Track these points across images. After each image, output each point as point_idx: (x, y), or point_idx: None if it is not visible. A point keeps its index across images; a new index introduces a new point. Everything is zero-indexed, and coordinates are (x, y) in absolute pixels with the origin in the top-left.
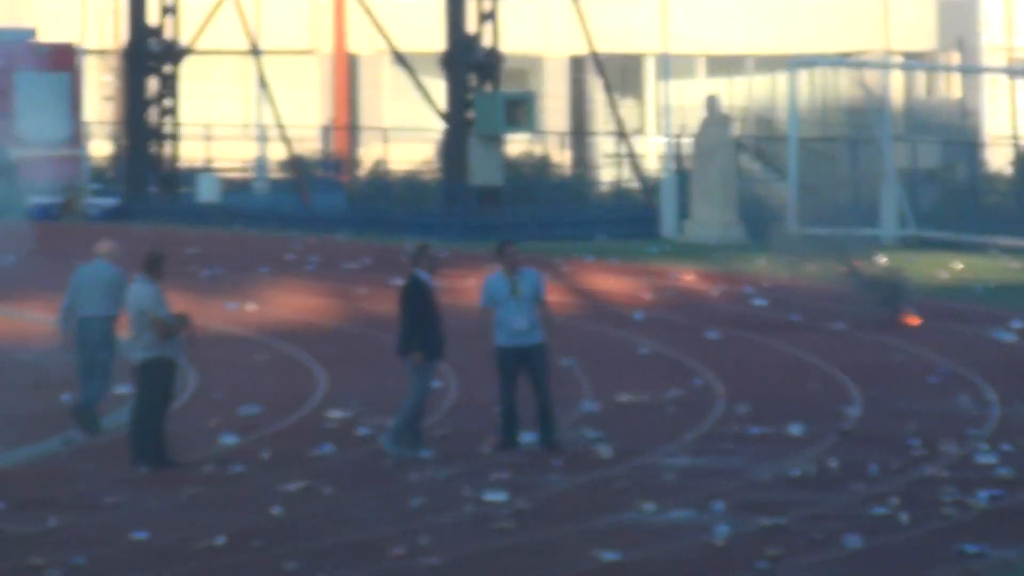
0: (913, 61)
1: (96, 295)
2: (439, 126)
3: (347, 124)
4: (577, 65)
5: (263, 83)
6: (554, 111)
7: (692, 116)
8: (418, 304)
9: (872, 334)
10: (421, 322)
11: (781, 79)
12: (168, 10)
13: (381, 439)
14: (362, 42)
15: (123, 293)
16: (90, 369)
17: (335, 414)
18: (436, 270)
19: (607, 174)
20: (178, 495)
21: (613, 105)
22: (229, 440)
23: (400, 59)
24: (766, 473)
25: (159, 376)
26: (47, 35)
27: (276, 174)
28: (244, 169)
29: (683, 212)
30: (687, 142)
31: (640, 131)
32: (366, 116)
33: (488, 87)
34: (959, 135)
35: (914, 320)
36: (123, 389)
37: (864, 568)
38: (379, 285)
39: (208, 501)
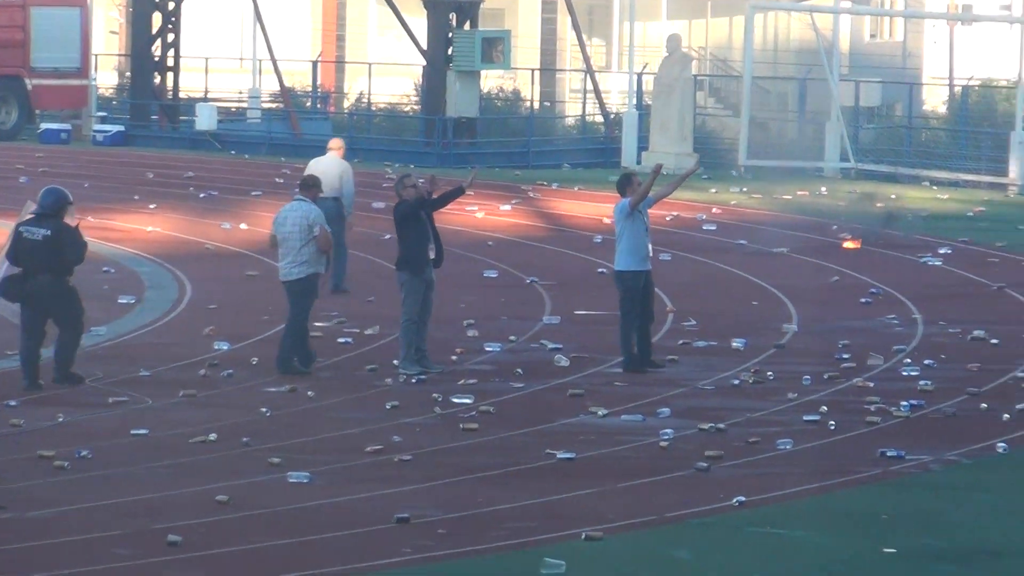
0: (860, 6)
1: (327, 180)
2: (420, 62)
3: (334, 59)
4: (548, 6)
5: (258, 19)
6: (526, 49)
7: (654, 55)
8: (406, 226)
9: (810, 257)
10: (409, 242)
11: (737, 22)
12: None
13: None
14: None
15: (346, 178)
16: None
17: (318, 324)
18: (426, 193)
19: (573, 108)
20: (175, 396)
21: (581, 44)
22: (221, 346)
23: None
24: (708, 382)
25: (313, 291)
26: None
27: (268, 104)
28: (239, 99)
29: (642, 144)
30: (648, 79)
31: (605, 68)
32: (352, 51)
33: (466, 26)
34: (899, 76)
35: (854, 245)
36: (125, 299)
37: (794, 468)
38: (362, 208)
39: (202, 401)
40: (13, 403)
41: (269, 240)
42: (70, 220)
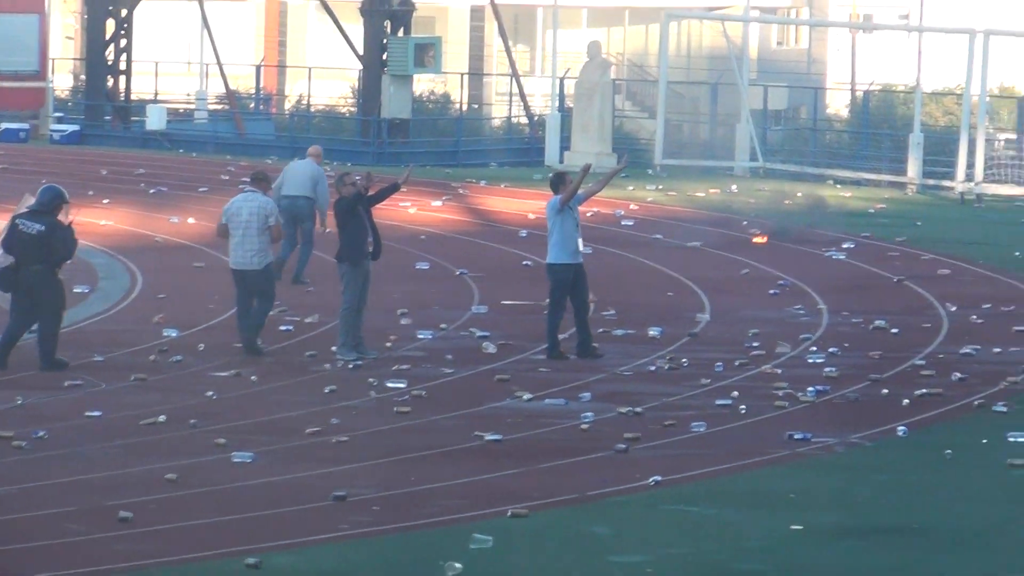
0: (768, 15)
1: (301, 181)
2: (357, 66)
3: (276, 63)
4: (476, 14)
5: (205, 26)
6: (456, 55)
7: (575, 61)
8: (346, 221)
9: (722, 251)
10: (348, 236)
11: (653, 30)
12: None
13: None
14: None
15: (320, 184)
16: (293, 237)
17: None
18: (363, 189)
19: (500, 110)
20: (127, 380)
21: (507, 50)
22: (170, 333)
23: (324, 6)
24: (627, 369)
25: (273, 276)
26: None
27: (214, 106)
28: (187, 101)
29: (565, 144)
30: (570, 83)
31: (530, 73)
32: (292, 56)
33: (400, 33)
34: (805, 81)
35: (761, 239)
36: (80, 288)
37: (707, 450)
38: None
39: (152, 385)
40: None
41: (219, 229)
42: (64, 217)
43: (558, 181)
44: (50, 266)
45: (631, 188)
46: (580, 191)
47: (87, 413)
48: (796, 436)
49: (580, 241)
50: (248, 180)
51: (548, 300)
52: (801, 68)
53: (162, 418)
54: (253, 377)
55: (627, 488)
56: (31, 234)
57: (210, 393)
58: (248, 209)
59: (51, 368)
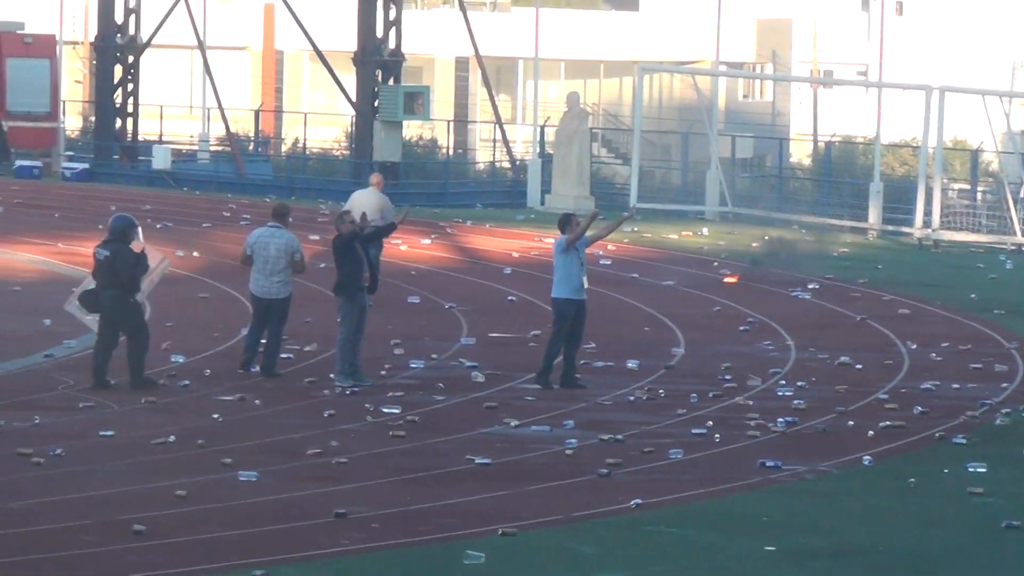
0: (735, 70)
1: (371, 211)
2: (350, 112)
3: (273, 108)
4: (461, 65)
5: (207, 72)
6: (443, 103)
7: (553, 109)
8: (344, 256)
9: (696, 290)
10: (345, 270)
11: (627, 82)
12: (131, 11)
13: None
14: (287, 41)
15: (386, 212)
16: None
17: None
18: (362, 227)
19: (484, 155)
20: (138, 402)
21: (491, 99)
22: (178, 359)
23: (319, 56)
24: (607, 398)
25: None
26: (32, 27)
27: (216, 147)
28: (190, 142)
29: (546, 187)
30: (550, 131)
31: (511, 121)
32: (289, 102)
33: (391, 82)
34: (769, 131)
35: (732, 279)
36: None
37: (684, 475)
38: (298, 239)
39: (162, 407)
40: None
41: (243, 259)
42: (136, 245)
43: (565, 222)
44: (122, 290)
45: None
46: (587, 234)
47: (101, 432)
48: (768, 464)
49: (585, 279)
50: (272, 215)
51: (552, 329)
52: (766, 120)
53: (172, 438)
54: (257, 401)
55: (610, 510)
56: (100, 260)
57: (216, 415)
58: (275, 245)
59: (140, 387)
